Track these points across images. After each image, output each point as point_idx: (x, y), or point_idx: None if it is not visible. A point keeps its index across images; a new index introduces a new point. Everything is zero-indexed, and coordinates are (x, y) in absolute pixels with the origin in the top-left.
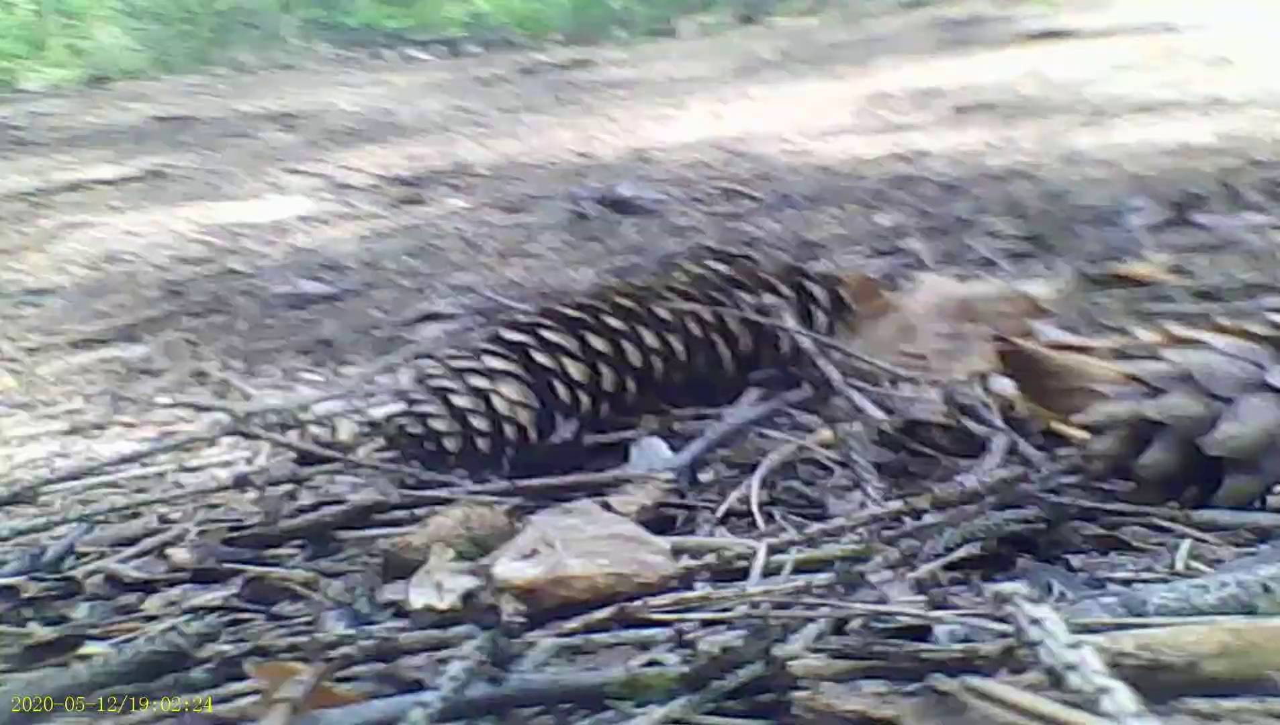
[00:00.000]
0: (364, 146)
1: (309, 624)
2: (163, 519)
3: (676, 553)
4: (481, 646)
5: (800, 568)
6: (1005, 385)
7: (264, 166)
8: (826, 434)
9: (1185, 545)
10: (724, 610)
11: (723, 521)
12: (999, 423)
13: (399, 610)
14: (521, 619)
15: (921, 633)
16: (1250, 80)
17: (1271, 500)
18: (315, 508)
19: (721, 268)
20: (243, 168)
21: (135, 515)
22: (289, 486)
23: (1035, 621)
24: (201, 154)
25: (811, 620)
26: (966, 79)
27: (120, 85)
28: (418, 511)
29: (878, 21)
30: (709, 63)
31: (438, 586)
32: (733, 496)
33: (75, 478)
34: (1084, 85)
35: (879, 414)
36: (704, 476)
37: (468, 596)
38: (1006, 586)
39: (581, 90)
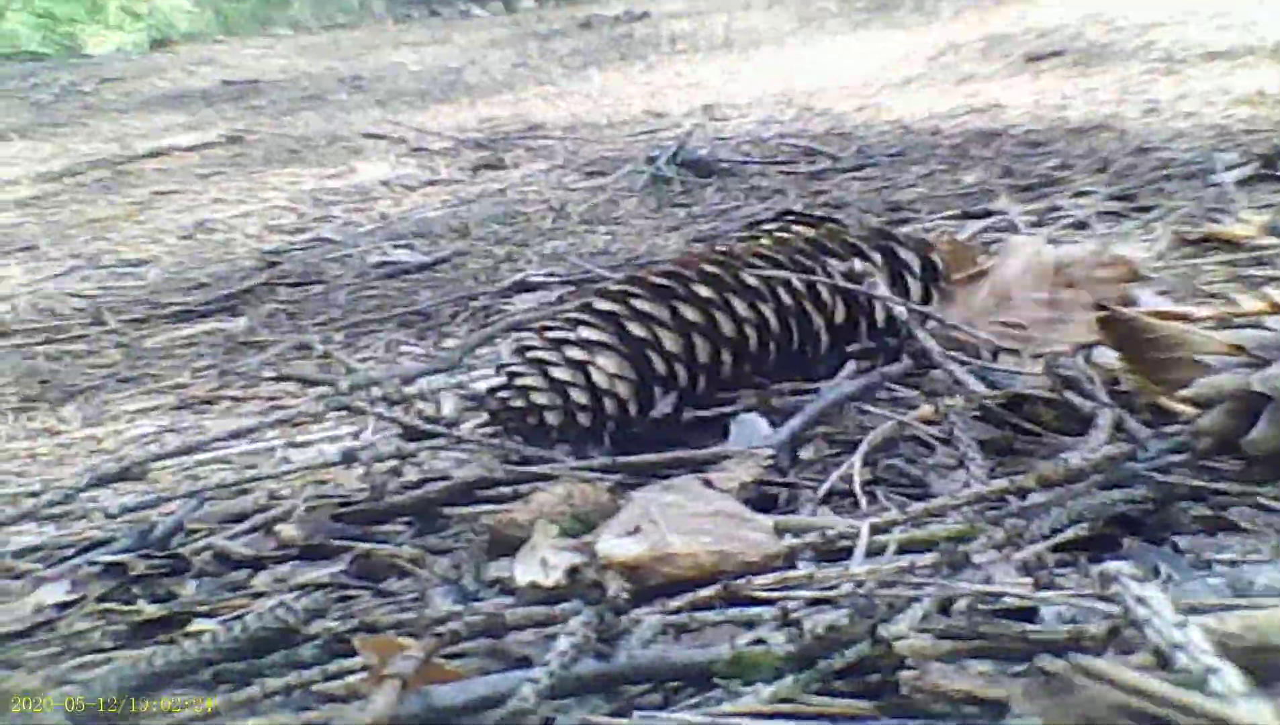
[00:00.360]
0: (435, 107)
1: (416, 600)
2: (271, 495)
3: (779, 531)
4: (588, 622)
5: (904, 548)
6: (1108, 357)
7: (339, 130)
8: (928, 410)
9: None
10: (829, 589)
11: (825, 500)
12: (1104, 397)
13: (505, 587)
14: (627, 595)
15: (1028, 613)
16: None
17: None
18: (420, 484)
19: (808, 232)
20: (319, 132)
21: (244, 491)
22: (394, 462)
23: (1141, 601)
24: (276, 118)
25: (917, 600)
26: (1031, 24)
27: (184, 49)
28: (521, 488)
29: None
30: (768, 12)
31: (543, 563)
32: (834, 475)
33: (184, 453)
34: (1151, 29)
35: (981, 388)
36: (805, 453)
37: (572, 572)
38: (1112, 566)
39: (643, 44)
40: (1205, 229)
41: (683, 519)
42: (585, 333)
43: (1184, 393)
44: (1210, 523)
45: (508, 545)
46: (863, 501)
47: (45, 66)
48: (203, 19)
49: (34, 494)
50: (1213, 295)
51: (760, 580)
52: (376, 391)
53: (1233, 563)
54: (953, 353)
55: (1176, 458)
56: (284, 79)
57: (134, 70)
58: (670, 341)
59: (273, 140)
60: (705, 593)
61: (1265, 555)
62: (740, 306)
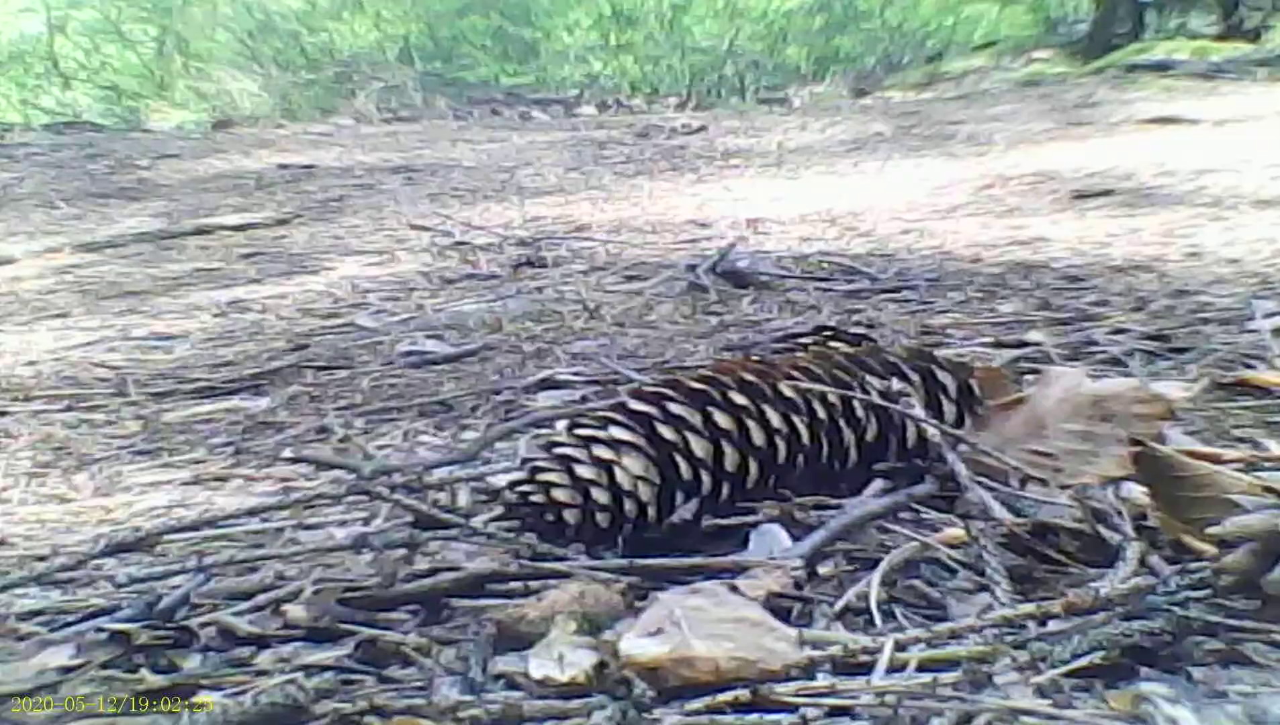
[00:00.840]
0: (484, 204)
1: (422, 688)
2: (278, 575)
3: (801, 642)
4: (612, 718)
5: (925, 665)
6: (1136, 492)
7: (386, 219)
8: (954, 533)
9: None
10: (850, 699)
11: (840, 617)
12: (1130, 531)
13: (510, 681)
14: (653, 694)
15: None
16: None
17: None
18: (431, 573)
19: (848, 349)
20: (366, 220)
21: (251, 569)
22: (405, 550)
23: (1172, 721)
24: (325, 203)
25: (938, 715)
26: (1083, 163)
27: (245, 130)
28: (532, 584)
29: (992, 99)
30: (822, 134)
31: (559, 659)
32: (851, 592)
33: (194, 528)
34: (1203, 175)
35: (1007, 515)
36: (823, 569)
37: (601, 667)
38: (1145, 686)
39: (696, 157)
40: (1238, 374)
41: (706, 623)
42: (615, 432)
43: (1213, 530)
44: (1225, 656)
45: (515, 640)
46: (878, 619)
47: (104, 138)
48: (267, 103)
49: (42, 558)
50: (1241, 439)
51: (781, 688)
52: (397, 478)
53: (1246, 694)
54: (981, 478)
55: (1196, 593)
56: (339, 166)
57: (193, 148)
58: (699, 447)
59: (319, 225)
60: (725, 696)
61: (1279, 689)
62: (774, 417)
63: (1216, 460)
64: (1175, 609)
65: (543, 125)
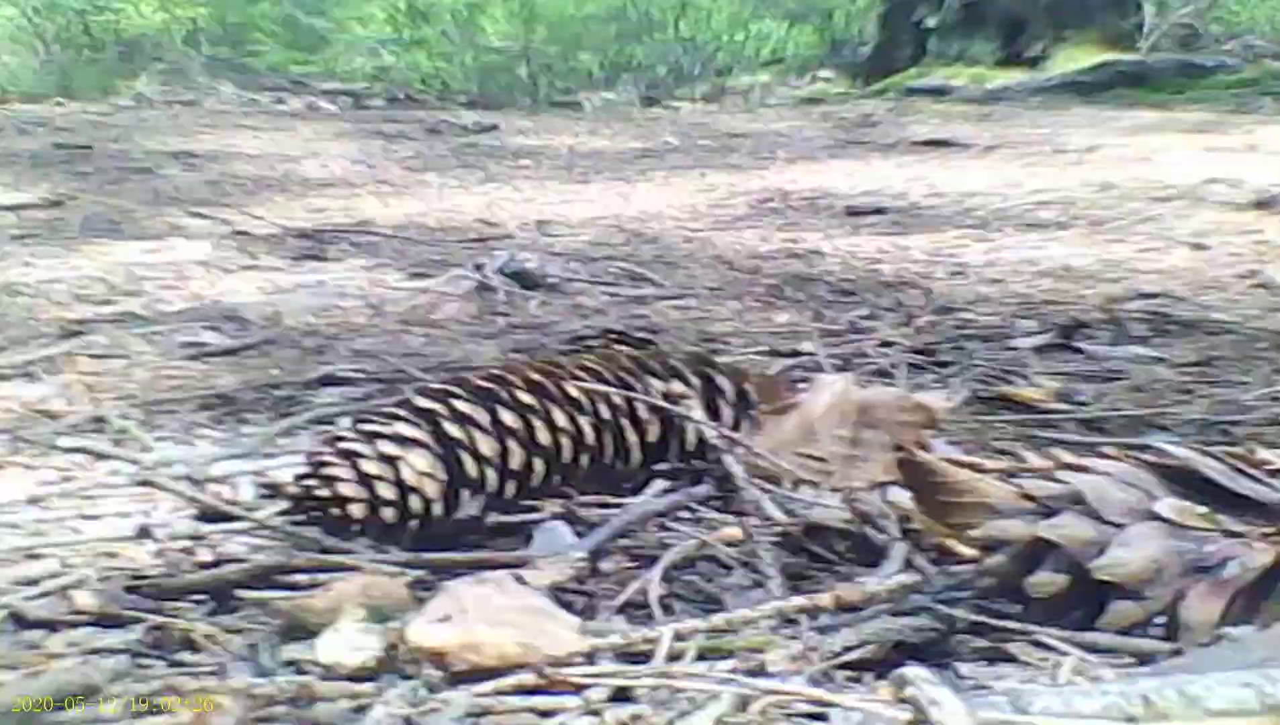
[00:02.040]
0: (266, 194)
1: (213, 672)
2: (63, 563)
3: (583, 632)
4: (404, 697)
5: (703, 654)
6: (902, 496)
7: (165, 206)
8: (731, 531)
9: (1069, 662)
10: (630, 683)
11: (621, 611)
12: (896, 532)
13: (300, 668)
14: (441, 676)
15: (820, 717)
16: (1133, 206)
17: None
18: (216, 564)
19: (632, 352)
20: (143, 205)
21: (35, 557)
22: (189, 542)
23: (935, 702)
24: (101, 186)
25: (715, 699)
26: (858, 181)
27: (22, 107)
28: (319, 577)
29: (776, 115)
30: (612, 141)
31: (347, 644)
32: (632, 587)
33: None
34: (971, 197)
35: (781, 516)
36: (605, 565)
37: (389, 651)
38: (909, 670)
39: (487, 156)
40: (999, 390)
41: (492, 611)
42: (401, 428)
43: (973, 534)
44: (990, 654)
45: (302, 630)
46: (658, 613)
47: None
48: (47, 81)
49: None
50: (1001, 452)
51: (565, 672)
52: (180, 469)
53: (1010, 690)
54: (756, 480)
55: (960, 594)
56: (117, 149)
57: None
58: (485, 445)
59: (94, 208)
60: (511, 680)
61: (1043, 685)
62: (560, 417)
63: (978, 469)
64: (941, 607)
65: (330, 116)
